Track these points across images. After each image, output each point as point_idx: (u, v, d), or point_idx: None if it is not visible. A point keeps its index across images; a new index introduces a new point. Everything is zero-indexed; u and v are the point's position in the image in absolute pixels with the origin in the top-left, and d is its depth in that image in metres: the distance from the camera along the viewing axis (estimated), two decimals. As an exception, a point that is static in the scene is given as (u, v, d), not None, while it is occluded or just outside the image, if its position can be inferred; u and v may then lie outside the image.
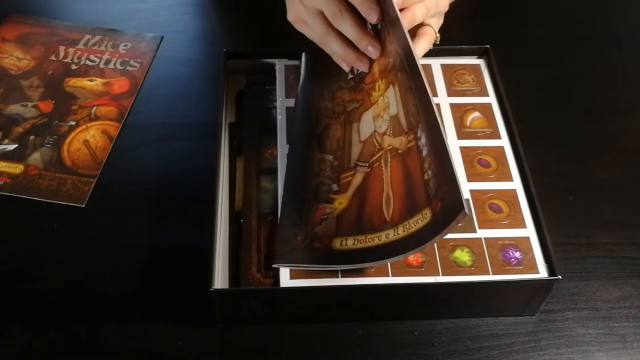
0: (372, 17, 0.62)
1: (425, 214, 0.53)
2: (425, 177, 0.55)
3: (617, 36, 0.89)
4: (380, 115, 0.64)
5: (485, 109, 0.72)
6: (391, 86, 0.64)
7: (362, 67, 0.66)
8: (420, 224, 0.53)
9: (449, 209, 0.50)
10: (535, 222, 0.63)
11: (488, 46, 0.75)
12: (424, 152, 0.56)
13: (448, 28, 0.72)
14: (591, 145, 0.75)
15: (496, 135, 0.70)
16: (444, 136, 0.52)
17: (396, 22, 0.60)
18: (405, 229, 0.55)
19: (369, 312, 0.61)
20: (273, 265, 0.58)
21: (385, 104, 0.64)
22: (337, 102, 0.68)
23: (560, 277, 0.58)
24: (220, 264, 0.60)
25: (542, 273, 0.60)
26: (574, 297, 0.63)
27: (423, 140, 0.56)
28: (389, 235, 0.56)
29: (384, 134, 0.62)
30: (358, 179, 0.62)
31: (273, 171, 0.66)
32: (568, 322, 0.61)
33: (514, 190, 0.65)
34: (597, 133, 0.77)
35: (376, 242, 0.57)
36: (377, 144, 0.63)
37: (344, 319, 0.60)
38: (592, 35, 0.88)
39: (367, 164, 0.62)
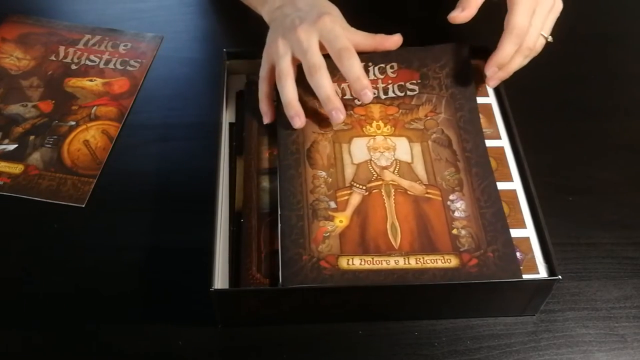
0: (365, 99, 0.64)
1: (449, 259, 0.58)
2: (454, 232, 0.60)
3: (617, 36, 0.89)
4: (378, 150, 0.65)
5: (485, 109, 0.72)
6: (405, 139, 0.66)
7: (296, 124, 0.65)
8: (441, 264, 0.58)
9: (497, 270, 0.58)
10: (535, 222, 0.63)
11: (488, 46, 0.75)
12: (457, 214, 0.61)
13: (448, 28, 0.72)
14: (591, 145, 0.75)
15: (496, 135, 0.70)
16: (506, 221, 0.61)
17: (471, 113, 0.68)
18: (419, 262, 0.58)
19: (369, 312, 0.61)
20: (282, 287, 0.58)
21: (390, 146, 0.66)
22: (322, 118, 0.67)
23: (560, 277, 0.57)
24: (220, 264, 0.60)
25: (542, 273, 0.60)
26: (574, 297, 0.63)
27: (458, 205, 0.62)
28: (398, 262, 0.58)
29: (385, 168, 0.64)
30: (356, 199, 0.62)
31: (273, 171, 0.66)
32: (568, 322, 0.61)
33: (514, 191, 0.65)
34: (597, 133, 0.77)
35: (384, 265, 0.58)
36: (374, 173, 0.64)
37: (344, 319, 0.60)
38: (592, 35, 0.88)
39: (365, 188, 0.63)
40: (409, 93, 0.69)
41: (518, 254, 0.60)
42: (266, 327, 0.60)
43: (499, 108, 0.73)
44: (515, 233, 0.62)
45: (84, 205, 0.68)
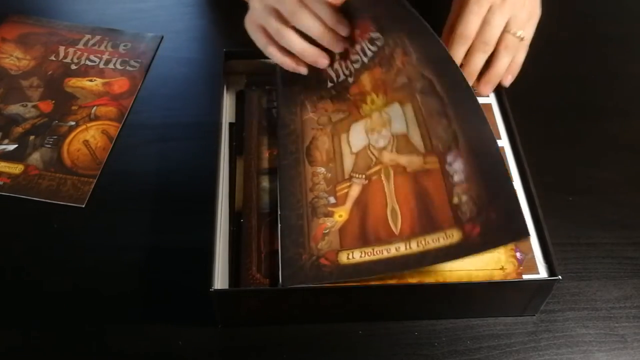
0: (337, 48, 0.64)
1: (451, 234, 0.56)
2: (455, 201, 0.57)
3: (617, 36, 0.89)
4: (375, 130, 0.64)
5: (485, 109, 0.72)
6: (397, 104, 0.65)
7: (324, 64, 0.65)
8: (443, 242, 0.56)
9: (501, 232, 0.54)
10: (535, 222, 0.63)
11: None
12: (456, 178, 0.58)
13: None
14: (591, 145, 0.75)
15: (496, 135, 0.70)
16: (508, 168, 0.53)
17: (439, 54, 0.61)
18: (420, 245, 0.56)
19: (369, 312, 0.61)
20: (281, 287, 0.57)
21: (385, 120, 0.64)
22: (321, 112, 0.67)
23: (560, 277, 0.58)
24: (220, 264, 0.60)
25: (542, 273, 0.60)
26: (574, 297, 0.63)
27: (456, 167, 0.58)
28: (399, 249, 0.57)
29: (383, 149, 0.63)
30: (355, 190, 0.61)
31: (273, 171, 0.66)
32: (568, 322, 0.61)
33: (514, 191, 0.65)
34: (597, 133, 0.77)
35: (385, 254, 0.57)
36: (373, 158, 0.63)
37: (344, 319, 0.60)
38: (592, 35, 0.88)
39: (364, 176, 0.62)
40: (378, 43, 0.66)
41: (518, 254, 0.60)
42: (266, 327, 0.60)
43: (499, 108, 0.73)
44: (515, 233, 0.62)
45: (84, 205, 0.68)
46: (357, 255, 0.57)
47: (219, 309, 0.58)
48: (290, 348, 0.59)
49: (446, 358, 0.59)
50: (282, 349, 0.59)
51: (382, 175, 0.61)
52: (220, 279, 0.59)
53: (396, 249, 0.57)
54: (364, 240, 0.58)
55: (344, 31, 0.64)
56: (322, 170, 0.63)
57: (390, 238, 0.58)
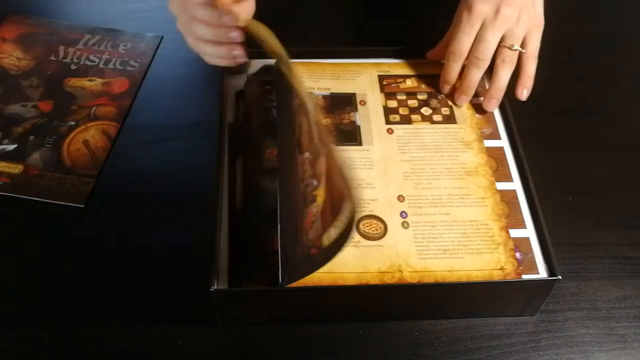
0: (236, 39, 0.64)
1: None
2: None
3: (617, 36, 0.89)
4: (313, 89, 0.61)
5: (486, 109, 0.72)
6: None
7: (240, 55, 0.65)
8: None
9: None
10: (535, 222, 0.63)
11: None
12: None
13: (448, 29, 0.72)
14: (591, 145, 0.75)
15: (496, 135, 0.70)
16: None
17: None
18: (350, 192, 0.54)
19: (369, 312, 0.61)
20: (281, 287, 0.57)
21: (305, 76, 0.61)
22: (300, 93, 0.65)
23: (560, 277, 0.58)
24: (220, 264, 0.60)
25: (542, 273, 0.60)
26: (574, 297, 0.63)
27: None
28: (348, 206, 0.54)
29: (322, 107, 0.60)
30: (323, 163, 0.59)
31: (273, 171, 0.66)
32: (568, 322, 0.62)
33: (514, 191, 0.65)
34: (597, 133, 0.77)
35: (344, 221, 0.54)
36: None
37: (344, 319, 0.60)
38: (591, 35, 0.88)
39: (325, 142, 0.59)
40: None
41: (518, 254, 0.60)
42: (266, 327, 0.60)
43: (499, 108, 0.73)
44: (515, 233, 0.62)
45: (83, 205, 0.68)
46: (333, 233, 0.55)
47: (219, 309, 0.58)
48: (290, 348, 0.59)
49: (446, 358, 0.59)
50: (282, 349, 0.59)
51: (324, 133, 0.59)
52: (220, 279, 0.59)
53: (349, 211, 0.54)
54: (335, 213, 0.55)
55: (231, 21, 0.64)
56: (307, 155, 0.62)
57: (344, 200, 0.54)
